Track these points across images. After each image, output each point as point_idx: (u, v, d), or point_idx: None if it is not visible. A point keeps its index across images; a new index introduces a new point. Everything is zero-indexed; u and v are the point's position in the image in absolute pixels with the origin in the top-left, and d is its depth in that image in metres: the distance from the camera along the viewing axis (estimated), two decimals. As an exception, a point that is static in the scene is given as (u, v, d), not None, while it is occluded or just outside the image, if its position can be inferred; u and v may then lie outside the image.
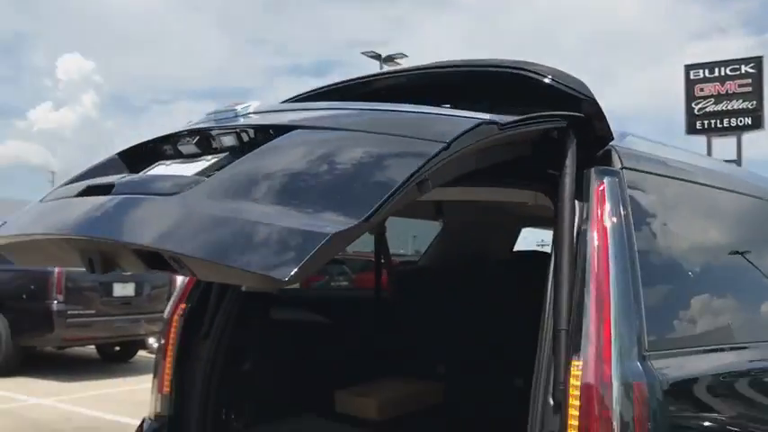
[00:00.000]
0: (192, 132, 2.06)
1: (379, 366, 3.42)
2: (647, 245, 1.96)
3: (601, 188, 1.92)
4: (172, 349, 2.84)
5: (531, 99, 2.03)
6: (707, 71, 32.34)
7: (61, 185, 2.32)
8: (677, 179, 2.25)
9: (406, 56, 26.65)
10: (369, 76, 2.61)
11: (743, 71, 31.86)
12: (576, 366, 1.72)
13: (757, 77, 31.11)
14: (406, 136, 1.73)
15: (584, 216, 1.88)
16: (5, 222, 2.19)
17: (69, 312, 8.81)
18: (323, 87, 2.64)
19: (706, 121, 31.57)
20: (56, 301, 8.75)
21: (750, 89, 31.38)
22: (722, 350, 2.17)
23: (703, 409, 1.98)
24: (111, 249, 1.83)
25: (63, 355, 10.60)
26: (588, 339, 1.74)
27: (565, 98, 1.99)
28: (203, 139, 2.04)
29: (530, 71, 2.06)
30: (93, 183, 2.08)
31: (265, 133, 1.89)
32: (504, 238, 4.33)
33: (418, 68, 2.42)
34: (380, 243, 3.79)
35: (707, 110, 31.68)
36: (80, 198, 2.02)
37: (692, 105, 32.36)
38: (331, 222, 1.46)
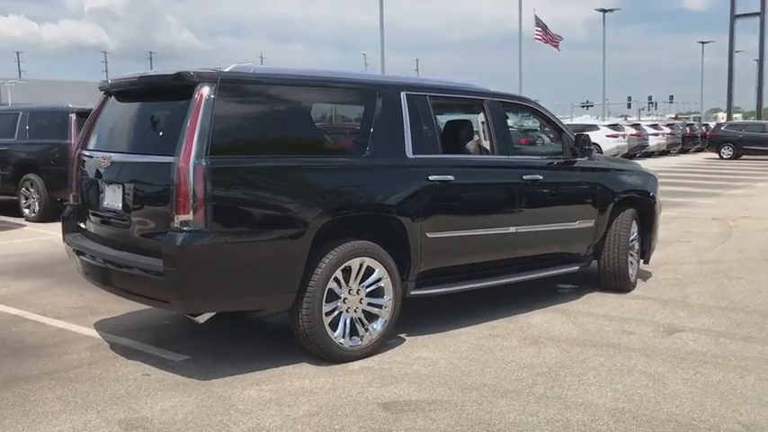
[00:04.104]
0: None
1: None
2: (221, 114, 4.34)
3: (202, 90, 4.27)
4: (77, 172, 5.44)
5: (176, 90, 4.44)
6: None
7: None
8: (254, 83, 4.59)
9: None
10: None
11: None
12: (178, 159, 4.20)
13: None
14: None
15: (194, 100, 4.32)
16: None
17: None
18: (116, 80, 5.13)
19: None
20: (78, 164, 11.63)
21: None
22: (267, 158, 4.50)
23: (234, 185, 4.31)
24: None
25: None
26: (183, 148, 4.17)
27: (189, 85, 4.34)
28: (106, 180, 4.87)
29: (177, 77, 4.42)
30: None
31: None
32: None
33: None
34: None
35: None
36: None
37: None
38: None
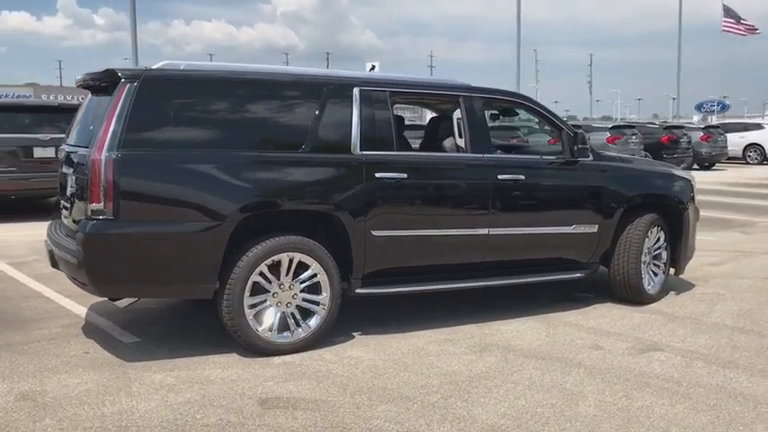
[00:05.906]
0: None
1: None
2: (141, 109, 4.52)
3: (124, 86, 4.50)
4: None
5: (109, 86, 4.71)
6: None
7: None
8: (181, 80, 4.73)
9: None
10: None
11: None
12: (92, 151, 4.46)
13: None
14: None
15: (115, 95, 4.56)
16: None
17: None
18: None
19: None
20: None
21: None
22: (186, 152, 4.60)
23: (146, 177, 4.50)
24: None
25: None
26: (97, 140, 4.42)
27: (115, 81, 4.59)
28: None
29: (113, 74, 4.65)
30: None
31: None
32: None
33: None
34: None
35: None
36: None
37: None
38: None
